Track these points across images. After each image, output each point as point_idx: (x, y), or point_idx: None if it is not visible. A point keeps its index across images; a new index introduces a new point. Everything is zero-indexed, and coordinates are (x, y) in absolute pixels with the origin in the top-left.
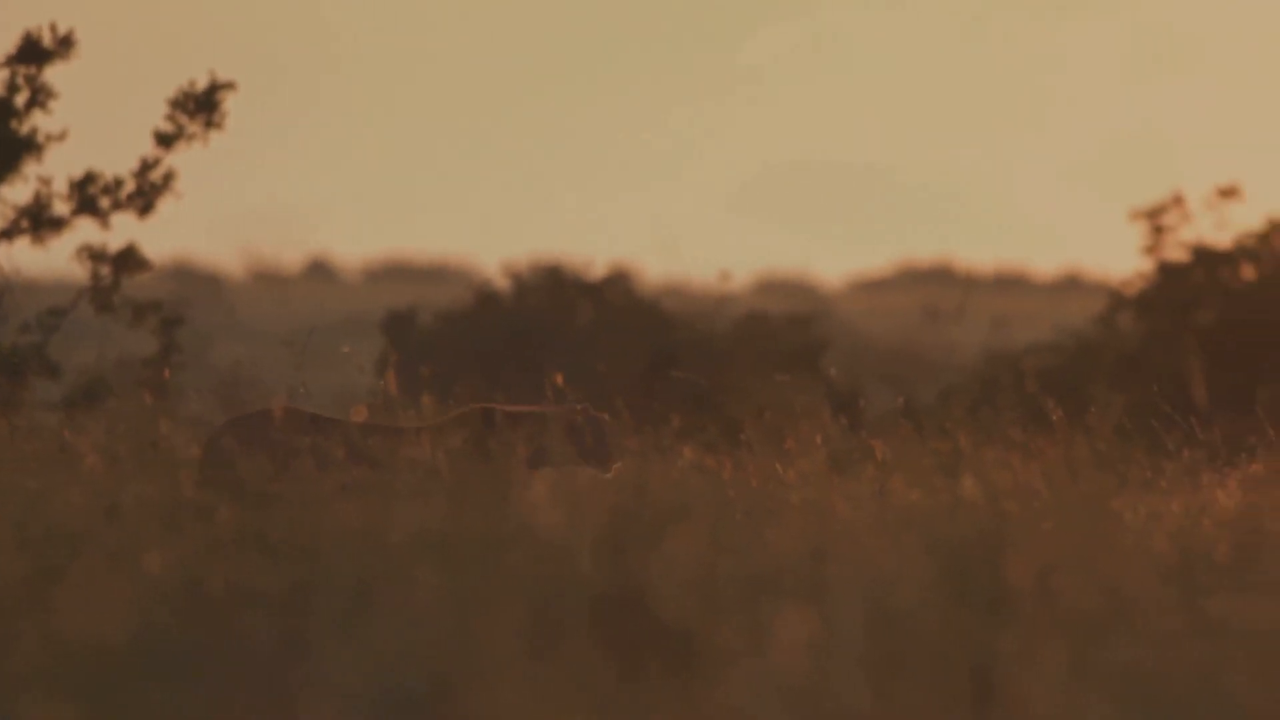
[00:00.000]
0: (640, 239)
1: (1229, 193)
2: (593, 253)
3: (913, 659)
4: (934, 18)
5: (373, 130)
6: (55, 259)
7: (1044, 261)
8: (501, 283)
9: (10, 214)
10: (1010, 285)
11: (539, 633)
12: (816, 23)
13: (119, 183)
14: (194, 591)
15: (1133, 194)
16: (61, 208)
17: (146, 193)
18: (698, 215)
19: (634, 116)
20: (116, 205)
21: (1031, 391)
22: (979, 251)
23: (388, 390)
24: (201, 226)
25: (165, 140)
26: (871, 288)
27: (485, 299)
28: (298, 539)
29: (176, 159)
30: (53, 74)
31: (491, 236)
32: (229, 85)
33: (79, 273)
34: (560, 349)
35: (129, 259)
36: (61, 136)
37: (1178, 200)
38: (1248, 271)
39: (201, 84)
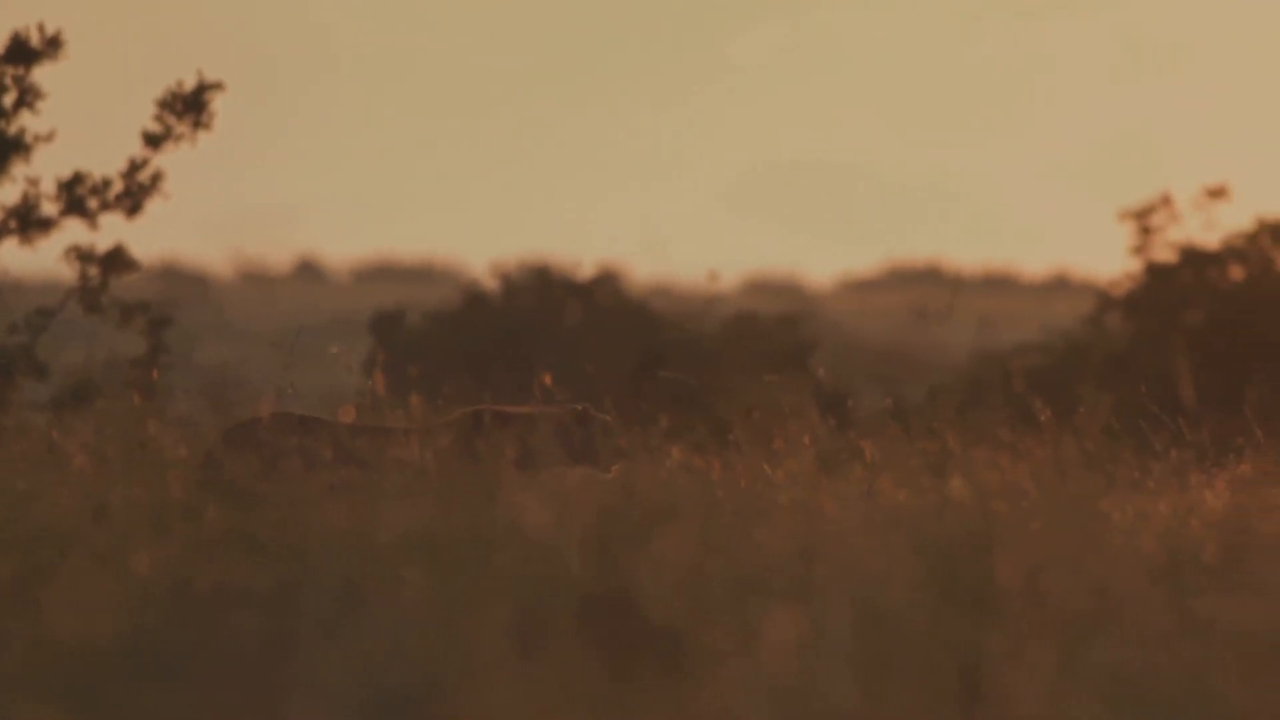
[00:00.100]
0: (629, 239)
1: (1217, 193)
2: (581, 253)
3: (901, 659)
4: (923, 18)
5: (361, 131)
6: (43, 259)
7: (1032, 262)
8: (490, 283)
9: None
10: (998, 285)
11: (527, 633)
12: (805, 23)
13: (107, 183)
14: (182, 592)
15: (1121, 194)
16: (49, 208)
17: (134, 193)
18: (686, 215)
19: (622, 117)
20: (104, 206)
21: (1020, 391)
22: (967, 252)
23: (375, 390)
24: (190, 227)
25: (153, 141)
26: (860, 288)
27: (473, 299)
28: (286, 539)
29: (164, 159)
30: (41, 74)
31: (480, 237)
32: (217, 86)
33: (67, 273)
34: (549, 349)
35: (117, 259)
36: (49, 137)
37: (1166, 201)
38: (1236, 272)
39: (189, 84)
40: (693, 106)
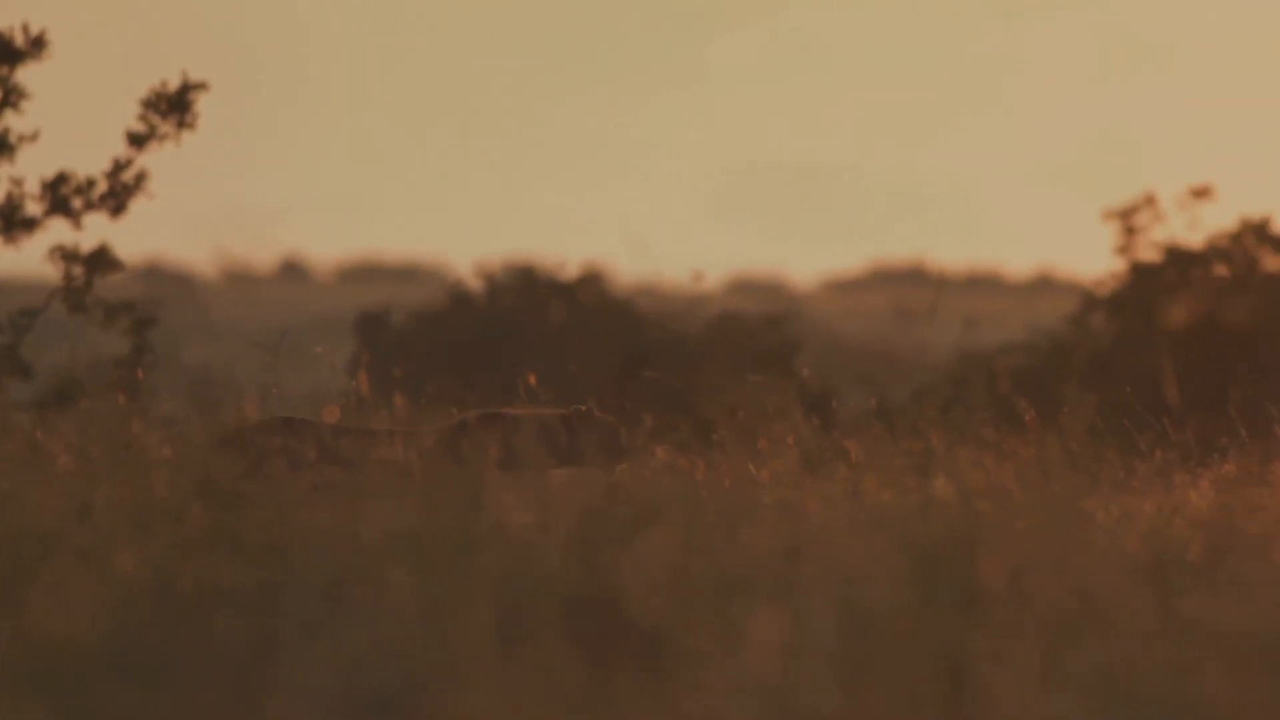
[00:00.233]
0: (613, 239)
1: (1201, 193)
2: (565, 253)
3: (885, 659)
4: (906, 18)
5: (345, 131)
6: (28, 259)
7: (1016, 262)
8: (474, 283)
9: None
10: (982, 285)
11: (511, 633)
12: (788, 23)
13: (91, 183)
14: (166, 591)
15: (1105, 194)
16: (34, 208)
17: (119, 193)
18: (670, 216)
19: (606, 117)
20: (89, 206)
21: (1004, 391)
22: (951, 252)
23: (360, 391)
24: (174, 227)
25: (138, 140)
26: (844, 288)
27: (458, 299)
28: (270, 539)
29: (149, 159)
30: (25, 74)
31: (464, 237)
32: (201, 85)
33: (51, 273)
34: (533, 349)
35: (101, 259)
36: (34, 137)
37: (1150, 200)
38: (1220, 271)
39: (174, 84)
40: (677, 107)
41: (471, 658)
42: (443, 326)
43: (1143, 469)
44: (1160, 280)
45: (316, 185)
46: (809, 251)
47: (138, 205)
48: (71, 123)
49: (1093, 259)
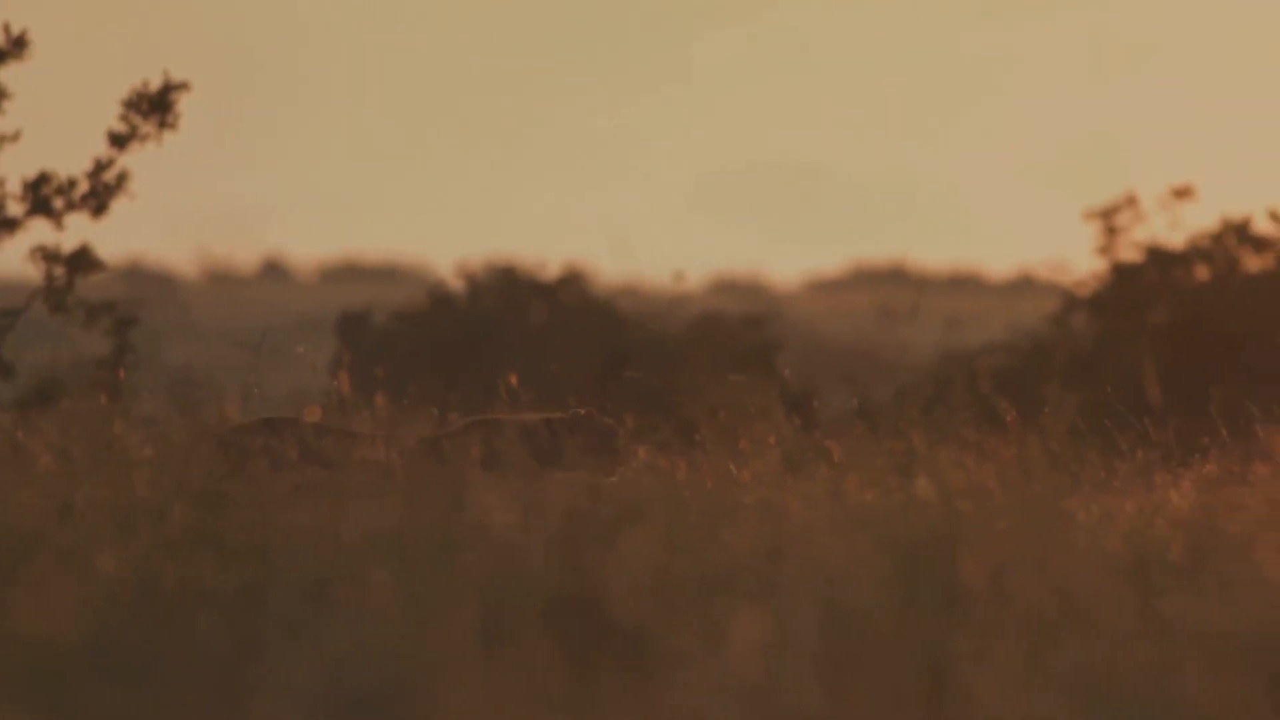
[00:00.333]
0: (594, 239)
1: (1183, 193)
2: (547, 253)
3: (867, 658)
4: (889, 18)
5: (327, 132)
6: (9, 260)
7: (997, 262)
8: (455, 283)
9: None
10: (964, 285)
11: (493, 633)
12: (771, 23)
13: (73, 183)
14: (147, 591)
15: (1086, 194)
16: (15, 208)
17: (100, 193)
18: (652, 216)
19: (588, 117)
20: (70, 206)
21: (985, 391)
22: (933, 252)
23: (341, 391)
24: (156, 227)
25: (119, 141)
26: (825, 288)
27: (439, 299)
28: (252, 539)
29: (130, 159)
30: (6, 74)
31: (445, 237)
32: (183, 86)
33: (33, 273)
34: (514, 349)
35: (83, 260)
36: (15, 137)
37: (1131, 200)
38: (1201, 272)
39: (155, 85)
40: (659, 107)
41: (454, 658)
42: (424, 326)
43: (1124, 469)
44: (1141, 280)
45: (298, 186)
46: (791, 251)
47: (119, 205)
48: (53, 123)
49: (1074, 259)
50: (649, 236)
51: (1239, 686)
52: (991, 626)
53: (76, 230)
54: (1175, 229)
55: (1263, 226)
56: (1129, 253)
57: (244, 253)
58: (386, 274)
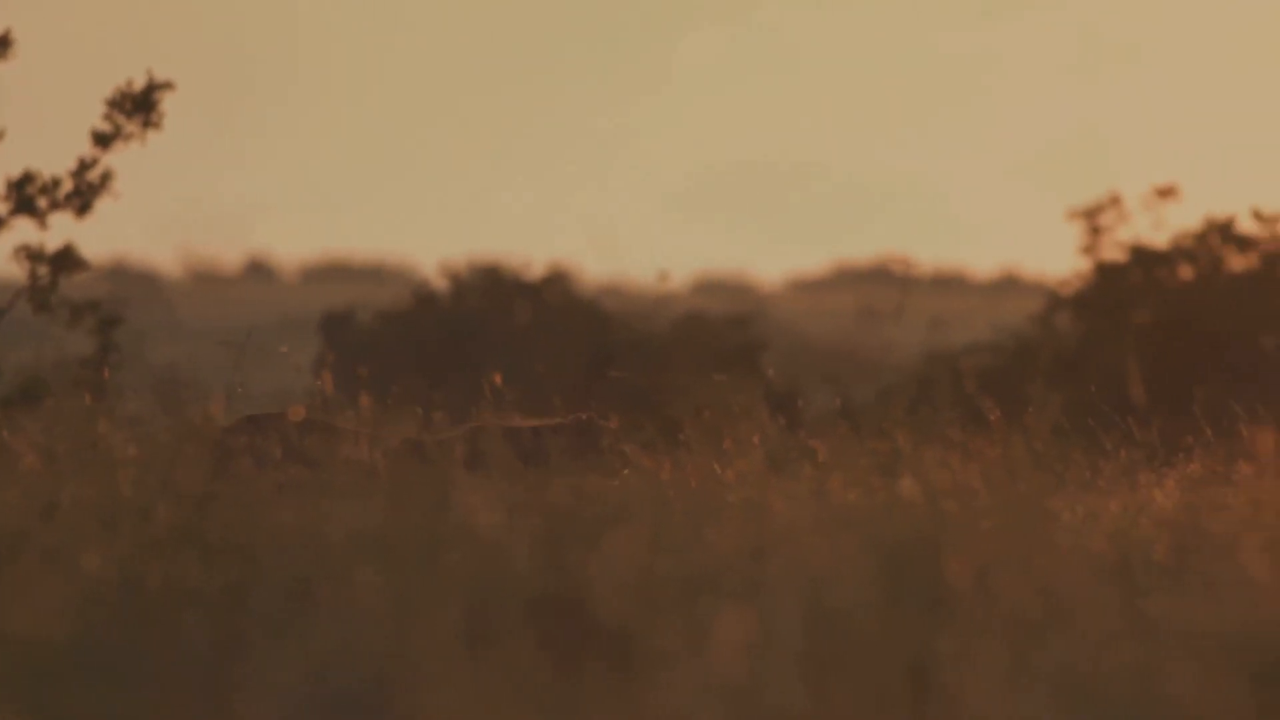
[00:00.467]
0: (578, 239)
1: (1167, 193)
2: (531, 253)
3: (851, 658)
4: (872, 17)
5: (311, 131)
6: None
7: (981, 261)
8: (439, 283)
9: None
10: (948, 285)
11: (477, 633)
12: (755, 22)
13: (56, 183)
14: (132, 591)
15: (1070, 194)
16: None
17: (84, 193)
18: (636, 215)
19: (572, 117)
20: (54, 205)
21: (970, 391)
22: (917, 251)
23: (324, 390)
24: (140, 227)
25: (103, 140)
26: (809, 287)
27: (423, 299)
28: (236, 538)
29: (114, 159)
30: None
31: (429, 237)
32: (167, 85)
33: (16, 273)
34: (498, 349)
35: (67, 259)
36: None
37: (1115, 200)
38: (1185, 272)
39: (139, 84)
40: (643, 107)
41: (438, 658)
42: (408, 326)
43: (1108, 469)
44: (1125, 280)
45: (282, 185)
46: (774, 251)
47: (103, 205)
48: (37, 122)
49: (1058, 259)
50: (633, 236)
51: (1224, 686)
52: (976, 626)
53: (61, 230)
54: (1159, 229)
55: (1246, 226)
56: (1113, 252)
57: (228, 252)
58: (371, 274)
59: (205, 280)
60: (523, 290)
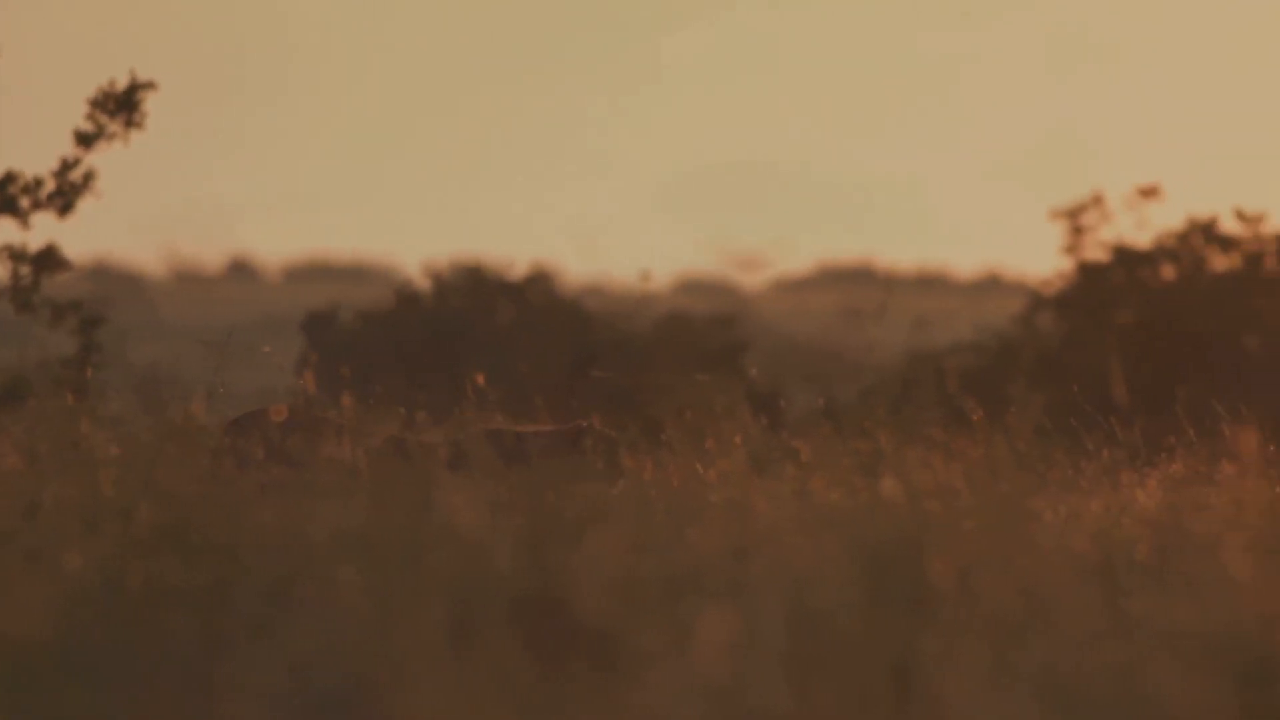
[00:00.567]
0: (561, 239)
1: (1149, 193)
2: (513, 253)
3: (833, 658)
4: (854, 17)
5: (294, 131)
6: None
7: (964, 261)
8: (422, 283)
9: None
10: (931, 285)
11: (460, 632)
12: (736, 23)
13: (39, 182)
14: (114, 591)
15: (1053, 194)
16: None
17: (66, 192)
18: (619, 215)
19: (555, 117)
20: (36, 205)
21: (952, 391)
22: (899, 251)
23: (306, 389)
24: (122, 226)
25: (85, 140)
26: (792, 288)
27: (406, 299)
28: (218, 538)
29: (97, 159)
30: None
31: (412, 236)
32: (149, 85)
33: None
34: (481, 349)
35: (49, 259)
36: None
37: (1098, 200)
38: (1167, 271)
39: (122, 84)
40: (625, 107)
41: (421, 657)
42: (391, 326)
43: (1091, 469)
44: (1108, 280)
45: (265, 185)
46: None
47: (86, 205)
48: (19, 122)
49: (1041, 259)
50: (616, 236)
51: (1205, 685)
52: (958, 626)
53: (43, 229)
54: (1141, 228)
55: (1229, 226)
56: (1095, 252)
57: (211, 252)
58: (353, 274)
59: (187, 280)
60: (505, 290)
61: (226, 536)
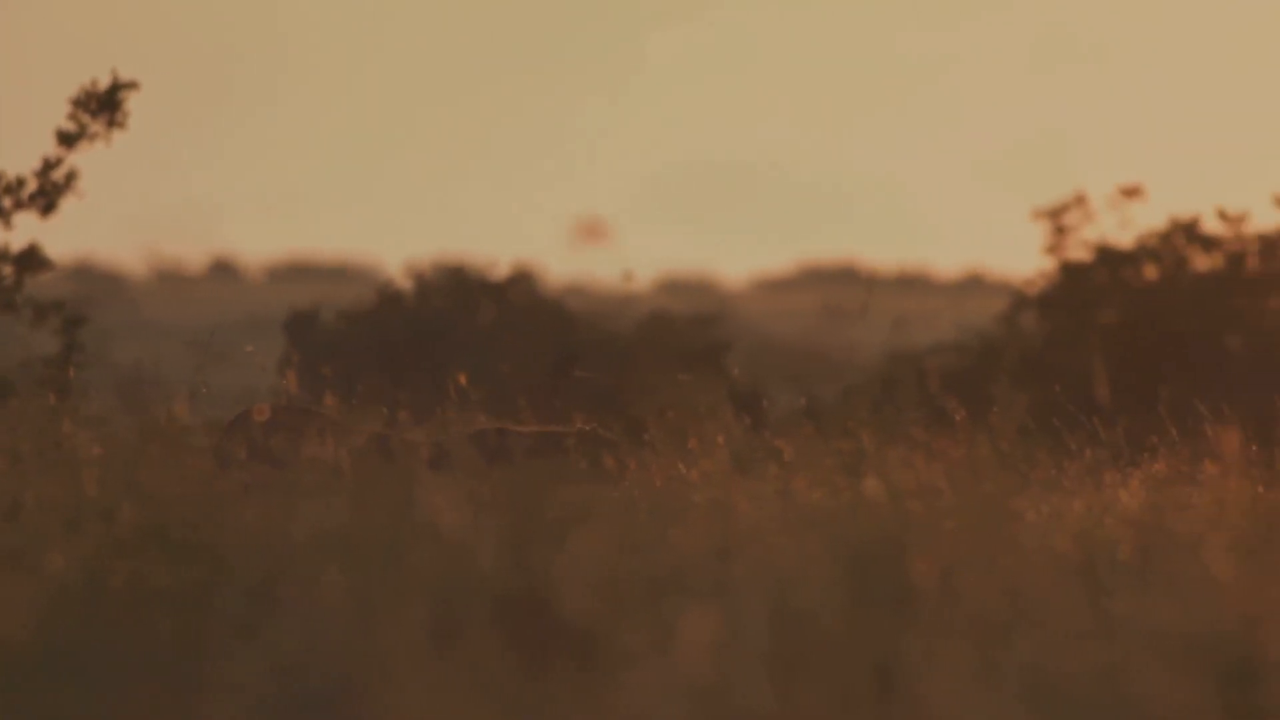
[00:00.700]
0: (543, 239)
1: (1132, 192)
2: (496, 252)
3: (816, 658)
4: (835, 15)
5: (276, 130)
6: None
7: (946, 261)
8: (404, 282)
9: None
10: (913, 285)
11: (443, 632)
12: (718, 22)
13: (21, 182)
14: (96, 591)
15: (1035, 193)
16: None
17: (49, 192)
18: (601, 215)
19: (536, 116)
20: (18, 205)
21: (934, 391)
22: (881, 251)
23: (289, 389)
24: (104, 226)
25: (68, 139)
26: (774, 287)
27: (388, 299)
28: (201, 538)
29: (79, 158)
30: None
31: (394, 236)
32: (132, 84)
33: None
34: (463, 349)
35: (31, 259)
36: None
37: (1080, 199)
38: (1150, 271)
39: (104, 83)
40: (606, 106)
41: (403, 657)
42: (373, 326)
43: (1073, 468)
44: (1090, 280)
45: (247, 185)
46: (739, 251)
47: (68, 204)
48: (0, 122)
49: (1023, 258)
50: (599, 235)
51: (1188, 685)
52: (941, 626)
53: (25, 229)
54: (1124, 228)
55: (1211, 226)
56: (1078, 252)
57: (193, 252)
58: (335, 273)
59: (170, 280)
60: (487, 290)
61: (209, 537)
